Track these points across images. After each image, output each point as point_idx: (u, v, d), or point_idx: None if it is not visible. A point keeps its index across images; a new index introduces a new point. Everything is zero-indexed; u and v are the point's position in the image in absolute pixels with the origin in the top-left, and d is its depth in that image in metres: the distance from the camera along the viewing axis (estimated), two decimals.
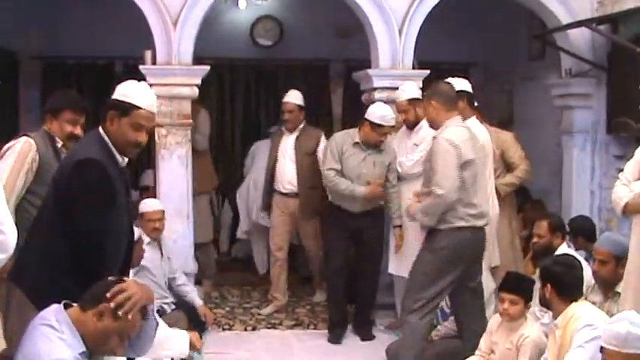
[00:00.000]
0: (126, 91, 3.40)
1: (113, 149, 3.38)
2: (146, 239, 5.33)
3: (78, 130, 4.20)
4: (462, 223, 4.75)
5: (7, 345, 3.72)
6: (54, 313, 2.80)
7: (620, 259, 4.28)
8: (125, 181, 3.53)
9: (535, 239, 5.17)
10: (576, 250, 5.36)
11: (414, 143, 5.85)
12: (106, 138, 3.38)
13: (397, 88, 5.97)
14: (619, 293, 4.24)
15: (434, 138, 4.85)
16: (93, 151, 3.32)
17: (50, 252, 3.31)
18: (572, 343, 3.72)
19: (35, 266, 3.34)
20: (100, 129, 3.41)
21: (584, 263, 4.52)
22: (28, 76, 8.48)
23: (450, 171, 4.65)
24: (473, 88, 5.70)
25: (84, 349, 2.74)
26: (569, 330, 3.77)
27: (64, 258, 3.26)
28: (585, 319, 3.73)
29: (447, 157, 4.65)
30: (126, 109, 3.36)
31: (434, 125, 4.92)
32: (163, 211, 5.66)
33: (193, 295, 5.90)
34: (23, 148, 4.03)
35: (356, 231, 5.89)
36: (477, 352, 4.55)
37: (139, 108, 3.36)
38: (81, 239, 3.24)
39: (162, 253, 5.64)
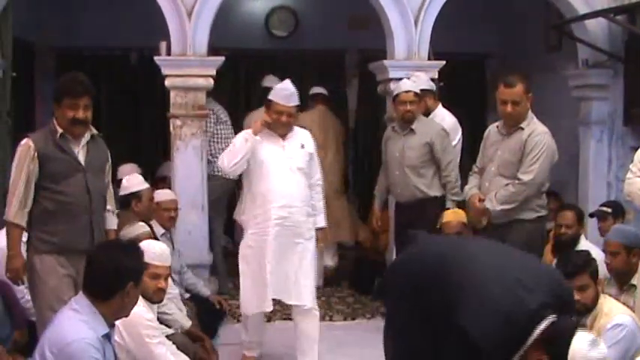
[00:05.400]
0: None
1: None
2: (160, 230, 5.33)
3: (80, 114, 4.05)
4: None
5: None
6: (76, 300, 2.96)
7: (630, 249, 4.25)
8: None
9: (563, 229, 5.12)
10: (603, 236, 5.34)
11: None
12: None
13: None
14: (634, 285, 4.20)
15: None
16: None
17: None
18: None
19: None
20: None
21: (597, 253, 4.48)
22: (43, 67, 8.50)
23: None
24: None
25: (106, 330, 2.85)
26: (597, 326, 3.72)
27: None
28: (615, 319, 3.68)
29: None
30: None
31: None
32: (177, 202, 5.64)
33: (201, 286, 5.76)
34: (21, 153, 4.07)
35: None
36: None
37: None
38: None
39: (173, 247, 5.45)
